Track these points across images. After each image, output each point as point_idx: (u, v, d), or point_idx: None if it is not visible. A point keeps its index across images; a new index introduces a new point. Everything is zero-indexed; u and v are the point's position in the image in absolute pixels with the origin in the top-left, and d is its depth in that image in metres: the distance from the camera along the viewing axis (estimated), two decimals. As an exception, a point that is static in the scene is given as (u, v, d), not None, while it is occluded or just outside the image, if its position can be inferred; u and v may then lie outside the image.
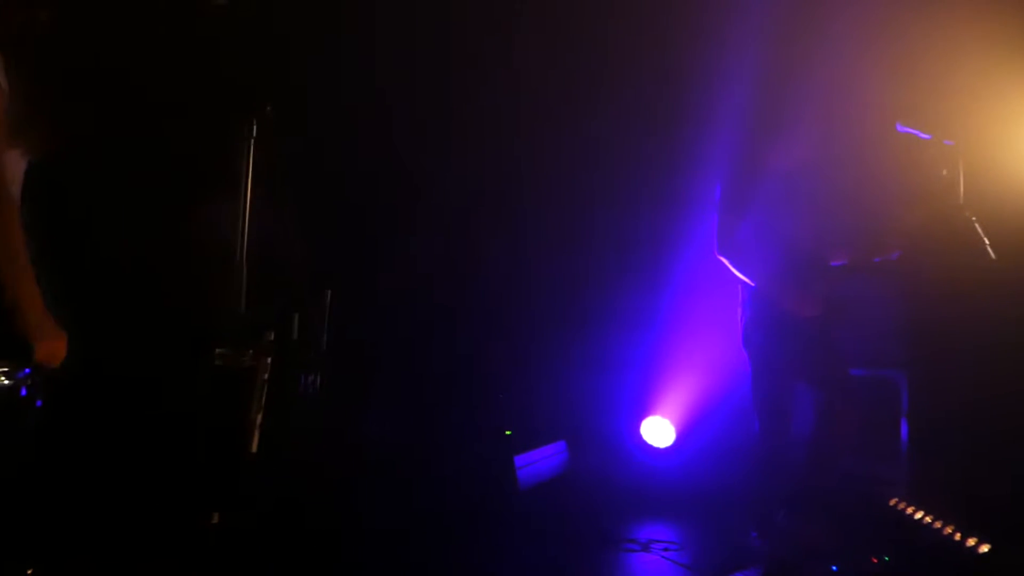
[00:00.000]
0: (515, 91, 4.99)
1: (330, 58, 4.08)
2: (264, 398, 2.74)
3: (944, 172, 3.91)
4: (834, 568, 3.42)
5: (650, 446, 5.31)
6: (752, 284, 3.85)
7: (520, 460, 4.57)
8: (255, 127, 2.73)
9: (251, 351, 2.68)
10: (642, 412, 5.37)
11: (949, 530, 3.57)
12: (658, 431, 5.30)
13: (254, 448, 2.71)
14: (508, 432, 4.87)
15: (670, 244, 5.24)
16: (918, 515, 3.82)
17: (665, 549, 3.94)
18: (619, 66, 5.08)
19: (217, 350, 2.63)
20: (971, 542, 3.42)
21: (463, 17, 4.70)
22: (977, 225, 3.80)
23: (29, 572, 2.38)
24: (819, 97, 4.04)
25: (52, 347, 2.44)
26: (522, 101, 5.03)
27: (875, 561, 3.46)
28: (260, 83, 2.98)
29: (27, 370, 2.48)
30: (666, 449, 5.27)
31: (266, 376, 2.77)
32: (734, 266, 3.86)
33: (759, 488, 3.95)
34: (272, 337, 2.80)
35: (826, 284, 3.88)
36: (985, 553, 3.34)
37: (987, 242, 3.76)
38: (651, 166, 5.30)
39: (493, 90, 4.91)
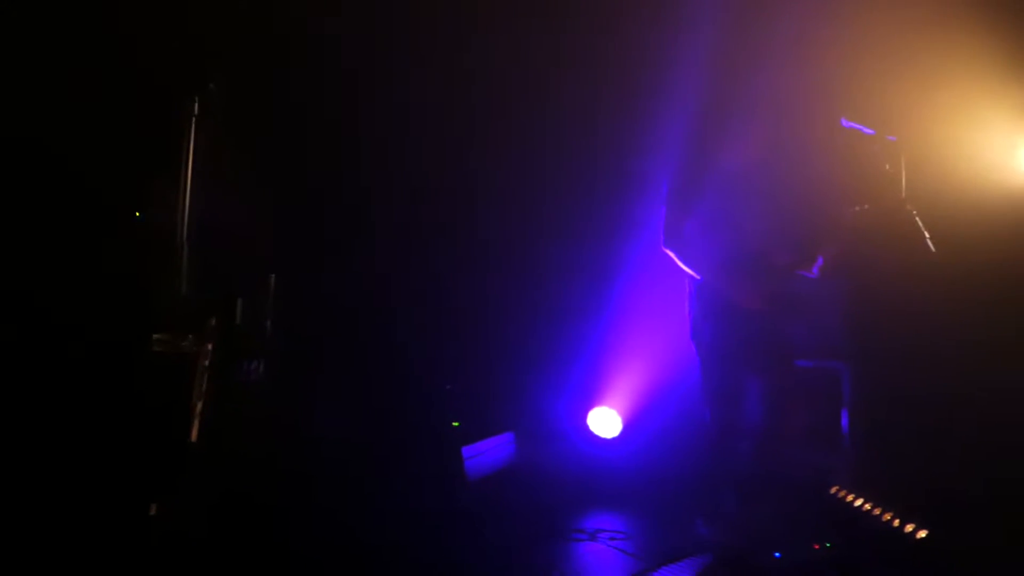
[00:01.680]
0: (468, 83, 4.95)
1: (284, 40, 3.99)
2: (205, 385, 2.66)
3: (887, 167, 3.98)
4: (777, 555, 3.46)
5: (597, 436, 5.32)
6: (698, 277, 3.89)
7: (468, 451, 4.54)
8: (197, 105, 2.65)
9: (191, 336, 2.60)
10: (589, 403, 5.37)
11: (888, 517, 3.65)
12: (605, 421, 5.32)
13: (194, 437, 2.63)
14: (455, 423, 4.84)
15: (617, 236, 5.25)
16: (859, 503, 3.89)
17: (612, 538, 3.95)
18: (570, 54, 5.07)
19: (155, 335, 2.55)
20: (909, 528, 3.50)
21: (429, 16, 4.66)
22: (918, 219, 3.88)
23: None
24: (765, 95, 4.09)
25: None
26: (474, 96, 5.00)
27: (817, 548, 3.51)
28: (204, 60, 2.89)
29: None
30: (613, 439, 5.28)
31: (207, 363, 2.69)
32: (680, 259, 3.89)
33: (707, 476, 3.99)
34: (214, 323, 2.71)
35: (771, 279, 3.93)
36: (923, 539, 3.42)
37: (928, 236, 3.85)
38: (600, 156, 5.30)
39: (447, 86, 4.87)
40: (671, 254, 3.91)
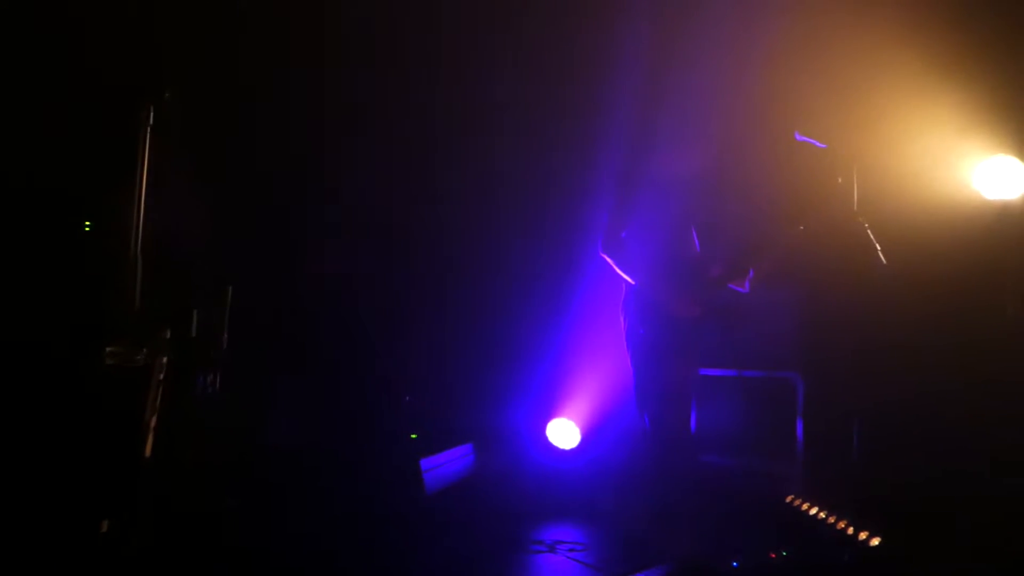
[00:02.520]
0: (421, 86, 4.94)
1: (240, 48, 3.94)
2: (159, 398, 2.60)
3: (839, 180, 4.05)
4: (735, 564, 3.48)
5: (556, 447, 5.32)
6: (632, 283, 3.98)
7: (426, 463, 4.51)
8: (152, 114, 2.60)
9: (145, 349, 2.54)
10: (547, 414, 5.37)
11: (842, 524, 3.70)
12: (563, 433, 5.32)
13: (148, 451, 2.56)
14: (413, 435, 4.81)
15: (574, 247, 5.27)
16: (813, 511, 3.94)
17: (571, 550, 3.94)
18: (512, 81, 5.10)
19: (108, 348, 2.48)
20: (863, 535, 3.56)
21: (376, 18, 4.64)
22: (870, 231, 3.96)
23: None
24: (707, 108, 4.16)
25: None
26: (427, 99, 4.99)
27: (774, 556, 3.54)
28: (160, 68, 2.83)
29: None
30: (571, 450, 5.29)
31: (162, 375, 2.63)
32: (616, 264, 3.99)
33: (663, 485, 4.02)
34: (168, 334, 2.66)
35: (704, 288, 4.01)
36: (876, 546, 3.47)
37: (879, 248, 3.92)
38: (552, 181, 5.33)
39: (401, 88, 4.86)
40: (608, 259, 4.00)
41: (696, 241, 4.09)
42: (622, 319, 4.10)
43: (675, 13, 4.71)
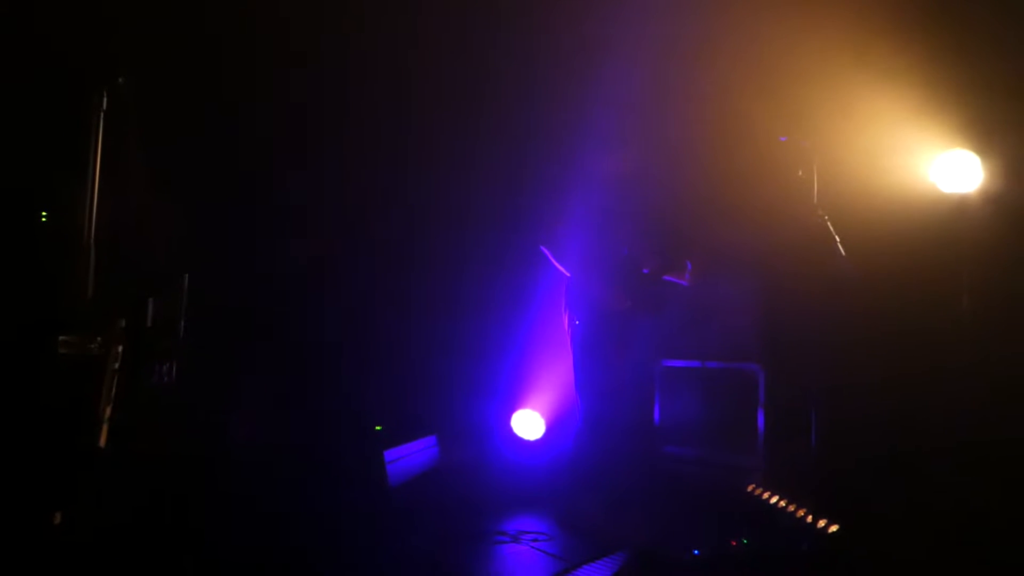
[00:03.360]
0: (374, 77, 4.92)
1: (195, 31, 3.88)
2: (114, 389, 2.56)
3: (800, 173, 4.10)
4: (696, 552, 3.51)
5: (520, 439, 5.33)
6: (567, 275, 4.03)
7: (390, 455, 4.49)
8: (105, 100, 2.55)
9: (99, 338, 2.50)
10: (512, 405, 5.38)
11: (802, 513, 3.75)
12: (528, 424, 5.33)
13: (102, 442, 2.53)
14: (378, 427, 4.79)
15: (538, 238, 5.27)
16: (774, 500, 3.99)
17: (535, 540, 3.95)
18: (468, 85, 5.09)
19: (61, 337, 2.44)
20: (822, 523, 3.61)
21: (351, 22, 4.62)
22: (829, 224, 4.01)
23: None
24: (638, 106, 4.19)
25: None
26: (379, 91, 4.97)
27: (734, 544, 3.58)
28: (113, 53, 2.78)
29: None
30: (536, 441, 5.30)
31: (116, 365, 2.59)
32: (552, 257, 4.04)
33: (626, 477, 4.05)
34: (123, 324, 2.62)
35: (635, 282, 4.05)
36: (835, 532, 3.53)
37: (838, 239, 3.97)
38: (507, 181, 5.33)
39: (371, 93, 4.84)
40: (546, 252, 4.06)
41: (626, 235, 4.14)
42: (563, 312, 4.16)
43: (612, 9, 4.72)
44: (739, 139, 4.33)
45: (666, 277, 4.07)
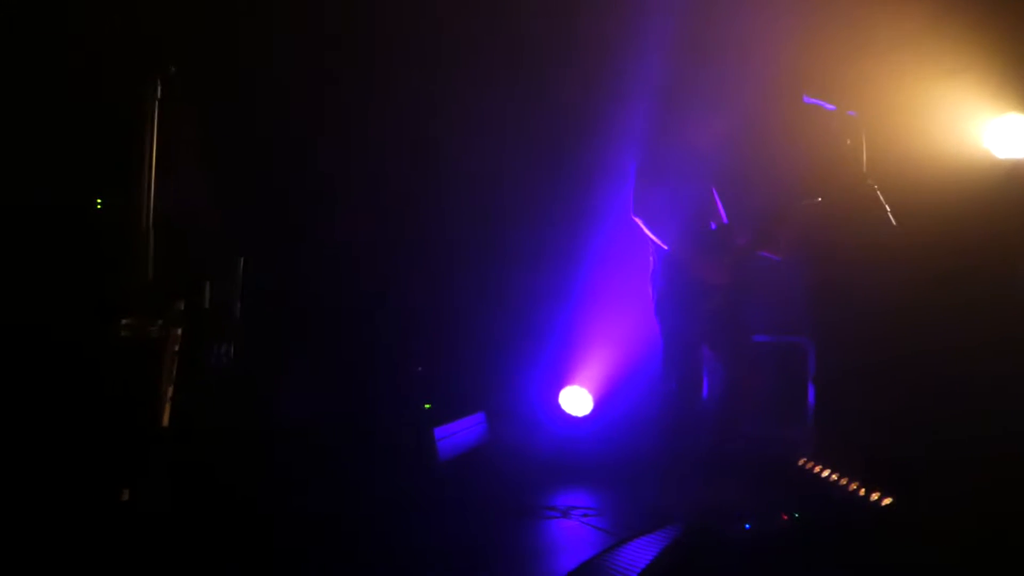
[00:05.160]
0: (433, 69, 4.93)
1: (247, 21, 3.93)
2: (175, 370, 2.64)
3: (848, 142, 4.03)
4: (747, 527, 3.51)
5: (568, 415, 5.36)
6: (665, 247, 3.94)
7: (440, 432, 4.55)
8: (159, 89, 2.61)
9: (160, 321, 2.57)
10: (560, 382, 5.41)
11: (854, 486, 3.73)
12: (576, 400, 5.36)
13: (165, 422, 2.61)
14: (427, 405, 4.85)
15: (584, 217, 5.27)
16: (825, 473, 3.97)
17: (584, 515, 3.98)
18: (533, 37, 5.06)
19: (124, 321, 2.52)
20: (874, 496, 3.58)
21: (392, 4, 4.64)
22: (880, 193, 3.94)
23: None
24: (729, 79, 4.13)
25: None
26: (438, 83, 4.98)
27: (786, 518, 3.58)
28: (166, 42, 2.84)
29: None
30: (584, 418, 5.33)
31: (177, 347, 2.66)
32: (648, 228, 3.96)
33: (677, 450, 4.05)
34: (182, 306, 2.69)
35: (734, 255, 3.98)
36: (888, 505, 3.50)
37: (888, 209, 3.90)
38: (566, 140, 5.31)
39: (418, 71, 4.86)
40: (639, 222, 3.97)
41: (722, 210, 4.08)
42: (651, 290, 4.09)
43: None
44: (789, 107, 4.27)
45: (761, 252, 4.00)
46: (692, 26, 4.55)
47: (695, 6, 4.60)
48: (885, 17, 4.14)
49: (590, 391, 5.34)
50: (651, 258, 4.11)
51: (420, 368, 4.90)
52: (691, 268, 3.90)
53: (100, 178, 3.23)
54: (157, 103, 2.63)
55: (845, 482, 3.81)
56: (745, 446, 4.32)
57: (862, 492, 3.66)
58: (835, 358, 4.39)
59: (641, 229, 4.01)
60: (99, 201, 3.38)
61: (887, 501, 3.53)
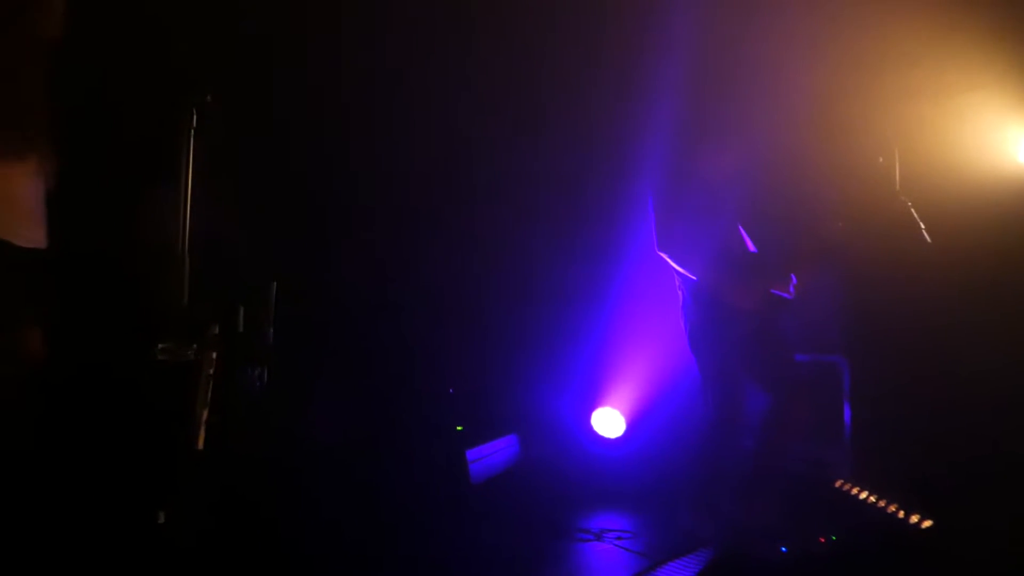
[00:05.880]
0: (469, 97, 4.99)
1: (278, 47, 4.01)
2: (209, 393, 2.68)
3: (880, 159, 4.00)
4: (783, 549, 3.47)
5: (601, 437, 5.33)
6: (693, 278, 3.91)
7: (472, 454, 4.55)
8: (195, 117, 2.67)
9: (195, 345, 2.62)
10: (592, 403, 5.39)
11: (893, 508, 3.66)
12: (608, 421, 5.33)
13: (201, 444, 2.64)
14: (459, 427, 4.85)
15: (616, 239, 5.27)
16: (863, 495, 3.91)
17: (618, 538, 3.96)
18: (558, 75, 5.10)
19: (160, 344, 2.57)
20: (914, 519, 3.52)
21: (422, 24, 4.69)
22: (913, 210, 3.90)
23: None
24: (746, 105, 4.10)
25: None
26: (469, 97, 5.03)
27: (823, 541, 3.52)
28: (202, 71, 2.91)
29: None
30: (617, 439, 5.30)
31: (211, 370, 2.70)
32: (674, 261, 3.92)
33: (712, 473, 4.00)
34: (217, 330, 2.73)
35: (764, 279, 3.94)
36: (928, 528, 3.44)
37: (923, 226, 3.87)
38: (593, 172, 5.33)
39: (444, 86, 4.91)
40: (665, 257, 3.94)
41: (748, 241, 4.04)
42: (683, 325, 4.04)
43: (723, 6, 4.66)
44: (821, 127, 4.25)
45: (772, 290, 3.94)
46: (709, 58, 4.54)
47: (712, 38, 4.60)
48: (910, 33, 4.11)
49: (623, 412, 5.31)
50: (680, 291, 4.07)
51: (452, 390, 4.91)
52: (720, 295, 3.85)
53: (139, 205, 3.30)
54: (192, 131, 2.69)
55: (884, 504, 3.75)
56: (781, 468, 4.27)
57: (901, 514, 3.60)
58: (871, 377, 4.33)
59: (668, 264, 3.99)
60: (138, 227, 3.46)
61: (927, 524, 3.46)
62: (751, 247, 3.98)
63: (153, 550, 2.49)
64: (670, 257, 3.92)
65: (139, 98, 2.78)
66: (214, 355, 2.71)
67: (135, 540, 2.54)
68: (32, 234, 2.36)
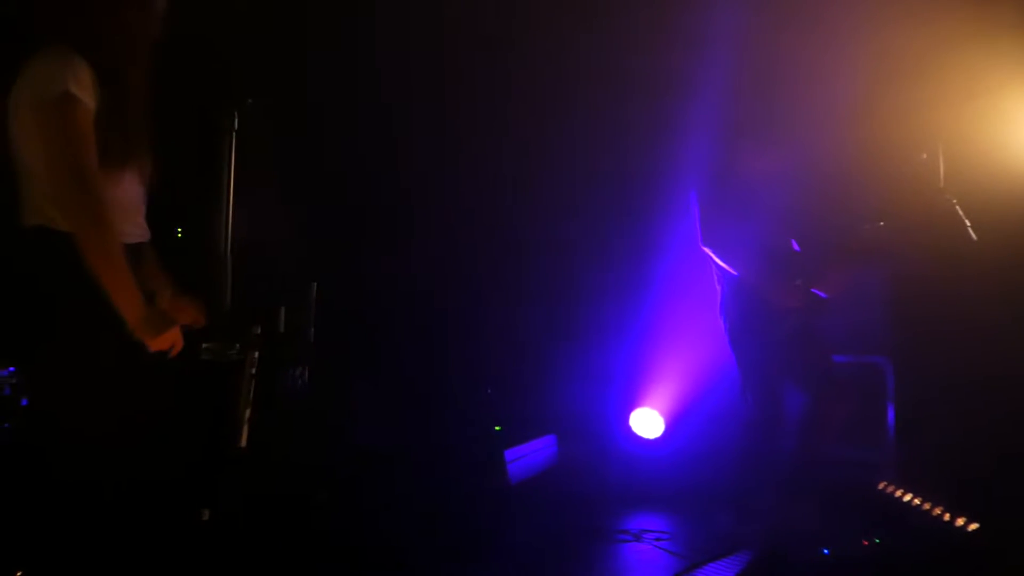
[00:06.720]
0: (506, 96, 5.00)
1: (324, 56, 4.06)
2: (252, 392, 2.72)
3: (924, 156, 3.94)
4: (825, 551, 3.43)
5: (640, 437, 5.31)
6: (735, 273, 3.87)
7: (510, 454, 4.56)
8: (236, 120, 2.72)
9: (238, 345, 2.66)
10: (631, 404, 5.37)
11: (938, 511, 3.60)
12: (647, 422, 5.31)
13: (243, 443, 2.69)
14: (498, 427, 4.86)
15: (655, 238, 5.25)
16: (907, 497, 3.84)
17: (657, 539, 3.94)
18: (598, 73, 5.10)
19: (203, 345, 2.61)
20: (960, 521, 3.45)
21: (457, 25, 4.72)
22: (958, 207, 3.83)
23: (19, 574, 2.34)
24: (791, 106, 4.06)
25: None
26: (511, 107, 5.05)
27: (866, 544, 3.47)
28: (243, 76, 2.96)
29: (11, 368, 2.45)
30: (655, 440, 5.27)
31: (253, 370, 2.75)
32: (718, 256, 3.89)
33: (752, 474, 3.96)
34: (259, 330, 2.78)
35: (806, 277, 3.89)
36: (974, 531, 3.37)
37: (968, 224, 3.79)
38: (632, 170, 5.32)
39: (486, 94, 4.93)
40: (709, 252, 3.91)
41: (788, 240, 4.00)
42: (722, 324, 4.02)
43: (774, 7, 4.62)
44: (862, 125, 4.20)
45: (813, 290, 3.90)
46: (753, 58, 4.51)
47: (756, 40, 4.56)
48: (953, 30, 4.03)
49: (661, 413, 5.29)
50: (719, 287, 4.04)
51: (490, 390, 4.93)
52: (762, 293, 3.82)
53: (183, 209, 3.36)
54: (234, 134, 2.74)
55: (928, 506, 3.69)
56: (824, 470, 4.22)
57: (946, 517, 3.53)
58: (915, 377, 4.25)
59: (711, 259, 3.96)
60: (179, 230, 3.54)
61: (973, 527, 3.40)
62: (795, 246, 3.95)
63: (199, 546, 2.54)
64: (714, 252, 3.89)
65: (181, 105, 2.83)
66: (256, 355, 2.76)
67: (180, 537, 2.58)
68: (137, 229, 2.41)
